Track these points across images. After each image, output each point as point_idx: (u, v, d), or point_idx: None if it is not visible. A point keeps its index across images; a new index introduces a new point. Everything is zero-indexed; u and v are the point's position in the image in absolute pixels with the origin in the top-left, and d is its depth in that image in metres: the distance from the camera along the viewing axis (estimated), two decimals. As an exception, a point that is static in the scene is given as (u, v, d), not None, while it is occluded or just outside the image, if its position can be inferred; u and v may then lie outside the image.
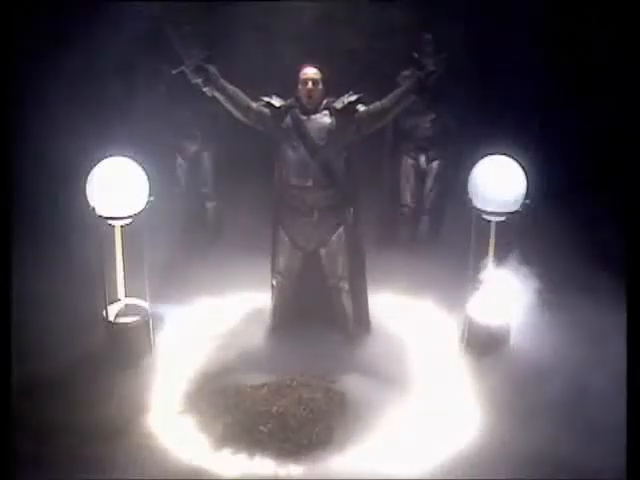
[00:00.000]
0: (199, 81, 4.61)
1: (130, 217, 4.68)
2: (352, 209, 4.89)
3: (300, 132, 4.66)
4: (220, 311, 5.42)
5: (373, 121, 4.71)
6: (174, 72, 4.73)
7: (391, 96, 4.67)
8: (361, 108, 4.68)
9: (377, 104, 4.68)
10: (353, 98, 4.68)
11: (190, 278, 5.66)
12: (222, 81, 4.65)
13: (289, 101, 4.74)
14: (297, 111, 4.70)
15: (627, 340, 3.73)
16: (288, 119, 4.70)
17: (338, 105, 4.68)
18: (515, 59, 6.34)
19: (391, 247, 6.22)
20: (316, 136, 4.66)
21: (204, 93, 4.68)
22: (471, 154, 4.99)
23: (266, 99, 4.73)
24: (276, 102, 4.73)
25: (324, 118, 4.69)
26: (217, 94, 4.65)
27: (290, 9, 6.66)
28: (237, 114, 4.73)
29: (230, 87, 4.67)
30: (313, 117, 4.69)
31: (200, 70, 4.62)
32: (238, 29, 6.43)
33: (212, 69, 4.65)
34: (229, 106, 4.70)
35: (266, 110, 4.72)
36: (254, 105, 4.73)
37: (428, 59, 5.89)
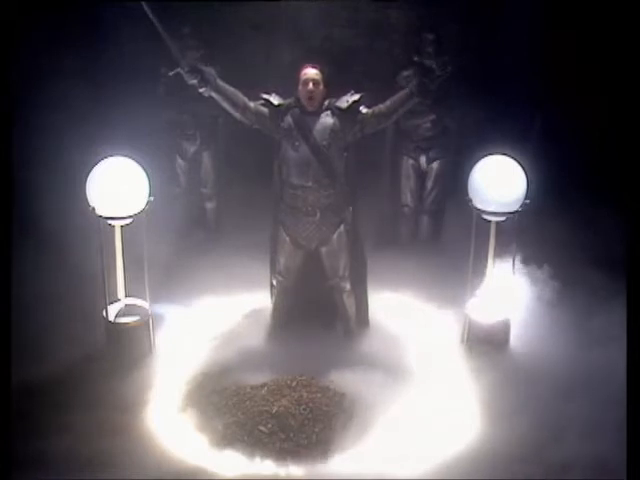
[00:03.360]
0: (195, 82, 4.61)
1: (130, 217, 4.68)
2: (352, 208, 4.90)
3: (303, 132, 4.65)
4: (220, 311, 5.42)
5: (377, 122, 4.71)
6: (171, 74, 4.74)
7: (395, 98, 4.67)
8: (364, 109, 4.68)
9: (381, 106, 4.68)
10: (356, 97, 4.67)
11: (190, 278, 5.66)
12: (218, 81, 4.65)
13: (289, 101, 4.73)
14: (298, 111, 4.70)
15: (627, 340, 3.73)
16: (289, 118, 4.69)
17: (343, 105, 4.67)
18: (515, 59, 6.35)
19: (391, 247, 6.21)
20: (319, 136, 4.65)
21: (202, 93, 4.68)
22: (471, 154, 4.99)
23: (265, 96, 4.72)
24: (275, 100, 4.72)
25: (327, 118, 4.68)
26: (214, 94, 4.65)
27: (290, 9, 6.67)
28: (235, 114, 4.72)
29: (227, 87, 4.67)
30: (316, 117, 4.68)
31: (195, 71, 4.62)
32: (238, 29, 6.44)
33: (208, 70, 4.66)
34: (226, 106, 4.70)
35: (264, 109, 4.71)
36: (252, 105, 4.72)
37: (430, 59, 5.95)
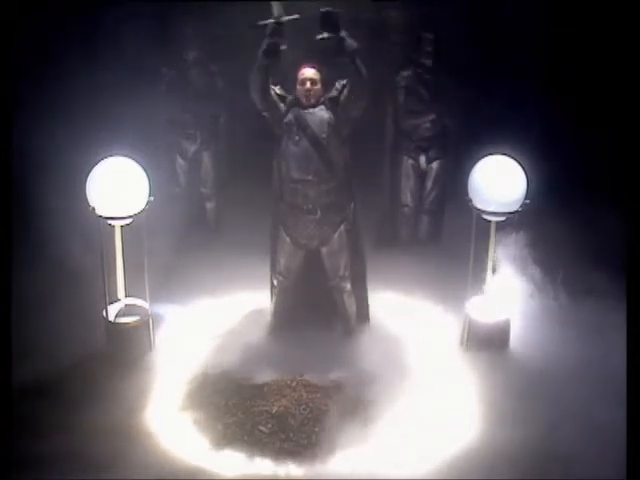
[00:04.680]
0: (272, 40, 4.49)
1: (130, 217, 4.68)
2: (353, 205, 4.92)
3: (302, 126, 4.69)
4: (220, 311, 5.42)
5: (351, 98, 4.66)
6: (260, 23, 4.60)
7: (350, 71, 4.61)
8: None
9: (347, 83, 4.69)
10: (343, 82, 4.70)
11: (190, 278, 5.66)
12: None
13: (290, 97, 4.76)
14: (298, 108, 4.74)
15: (627, 340, 3.74)
16: (290, 114, 4.74)
17: (333, 94, 4.73)
18: (515, 59, 6.34)
19: (391, 247, 6.22)
20: (318, 129, 4.70)
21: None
22: (471, 154, 4.99)
23: (273, 88, 4.74)
24: (279, 91, 4.76)
25: (323, 112, 4.73)
26: (265, 63, 4.56)
27: (290, 9, 6.65)
28: (257, 93, 4.67)
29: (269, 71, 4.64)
30: (312, 111, 4.72)
31: (282, 27, 4.51)
32: (238, 29, 6.43)
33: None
34: (259, 81, 4.63)
35: (276, 100, 4.75)
36: (272, 93, 4.74)
37: (428, 59, 5.97)
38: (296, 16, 4.51)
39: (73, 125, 5.69)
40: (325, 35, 4.46)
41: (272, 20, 4.50)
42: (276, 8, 4.49)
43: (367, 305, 5.23)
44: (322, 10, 4.45)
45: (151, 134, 6.12)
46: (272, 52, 4.56)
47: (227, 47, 6.27)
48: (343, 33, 4.46)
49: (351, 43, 4.48)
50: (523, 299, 5.03)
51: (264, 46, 4.54)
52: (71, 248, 5.34)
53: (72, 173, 4.86)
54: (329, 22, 4.44)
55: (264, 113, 4.75)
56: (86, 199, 4.62)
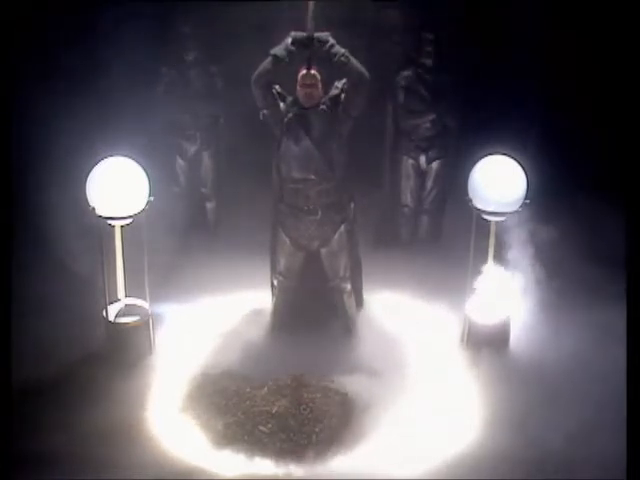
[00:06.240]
0: (295, 47, 4.58)
1: (130, 217, 4.68)
2: (353, 204, 4.95)
3: (303, 126, 4.72)
4: (220, 311, 5.42)
5: (354, 97, 4.70)
6: (294, 34, 4.66)
7: (347, 71, 4.67)
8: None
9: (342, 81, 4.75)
10: (343, 81, 4.73)
11: (190, 278, 5.66)
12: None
13: (290, 98, 4.76)
14: (297, 108, 4.75)
15: (627, 340, 3.74)
16: (290, 115, 4.75)
17: (335, 92, 4.75)
18: (516, 59, 6.34)
19: (391, 247, 6.22)
20: (318, 128, 4.73)
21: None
22: (471, 154, 4.99)
23: (274, 86, 4.76)
24: (280, 91, 4.79)
25: (323, 112, 4.75)
26: (280, 61, 4.60)
27: (290, 9, 6.66)
28: (261, 89, 4.70)
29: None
30: (314, 111, 4.74)
31: (301, 45, 4.62)
32: (238, 29, 6.44)
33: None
34: (266, 77, 4.66)
35: (280, 101, 4.77)
36: (273, 92, 4.77)
37: (428, 59, 5.97)
38: (327, 34, 4.64)
39: (73, 125, 5.70)
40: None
41: (305, 34, 4.62)
42: (309, 22, 4.61)
43: (361, 293, 5.30)
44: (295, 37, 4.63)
45: (151, 134, 6.12)
46: (291, 55, 4.61)
47: (227, 47, 6.28)
48: (329, 43, 4.59)
49: (337, 50, 4.59)
50: (523, 299, 5.04)
51: (288, 46, 4.60)
52: (71, 248, 5.35)
53: (72, 173, 4.86)
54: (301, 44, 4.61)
55: (264, 111, 4.76)
56: (86, 199, 4.62)
